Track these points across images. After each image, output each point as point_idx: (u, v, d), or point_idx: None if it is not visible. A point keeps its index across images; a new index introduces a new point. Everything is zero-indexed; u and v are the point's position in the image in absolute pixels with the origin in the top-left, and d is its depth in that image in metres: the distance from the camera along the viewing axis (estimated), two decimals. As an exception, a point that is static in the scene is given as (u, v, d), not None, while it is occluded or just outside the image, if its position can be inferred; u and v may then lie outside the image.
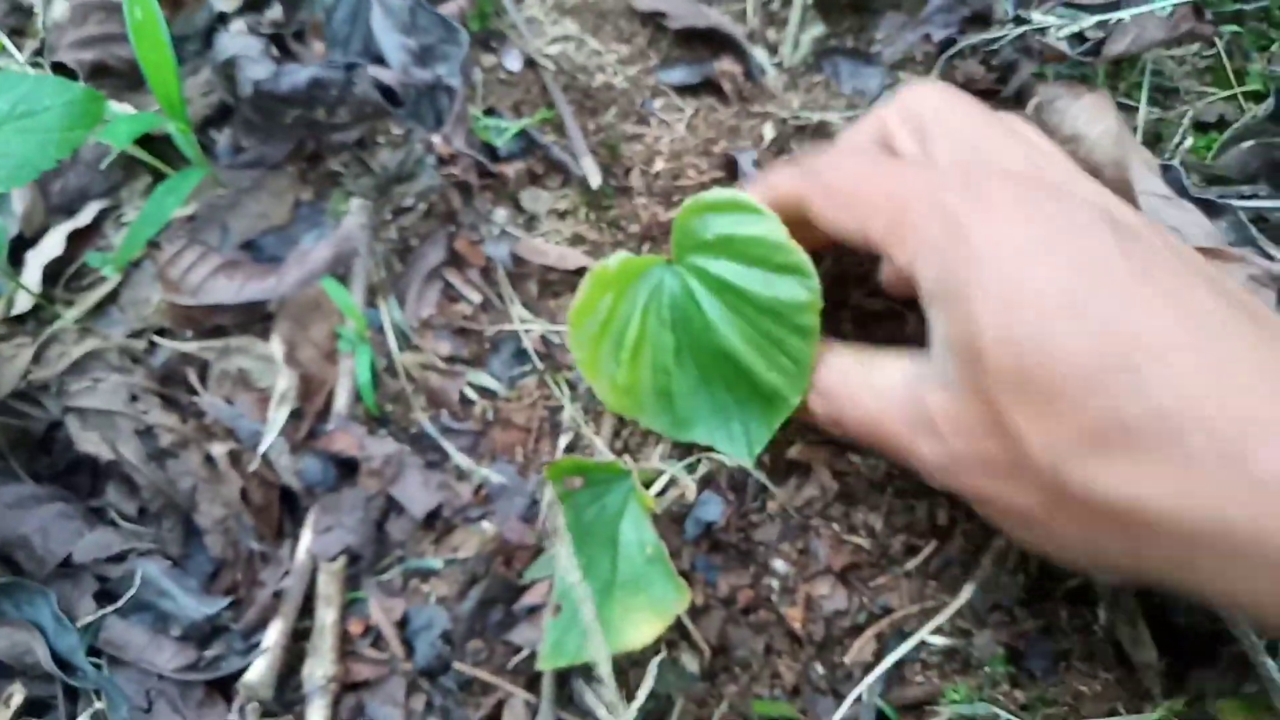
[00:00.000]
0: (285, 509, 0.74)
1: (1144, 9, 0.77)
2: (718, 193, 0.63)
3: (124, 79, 0.85)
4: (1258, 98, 0.81)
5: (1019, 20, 0.79)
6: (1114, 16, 0.75)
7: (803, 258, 0.59)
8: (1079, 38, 0.76)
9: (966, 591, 0.67)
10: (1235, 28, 0.81)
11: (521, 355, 0.79)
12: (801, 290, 0.60)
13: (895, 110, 0.62)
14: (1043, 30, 0.76)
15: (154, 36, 0.71)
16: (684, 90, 0.89)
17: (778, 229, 0.60)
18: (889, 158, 0.61)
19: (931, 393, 0.52)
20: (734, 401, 0.66)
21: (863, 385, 0.58)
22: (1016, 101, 0.82)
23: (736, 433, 0.66)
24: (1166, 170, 0.72)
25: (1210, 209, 0.70)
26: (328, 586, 0.69)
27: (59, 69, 0.83)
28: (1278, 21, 0.82)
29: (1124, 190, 0.70)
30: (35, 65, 0.84)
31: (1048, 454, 0.46)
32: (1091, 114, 0.74)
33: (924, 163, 0.58)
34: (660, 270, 0.66)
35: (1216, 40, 0.80)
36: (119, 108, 0.80)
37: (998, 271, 0.47)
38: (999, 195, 0.50)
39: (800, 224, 0.60)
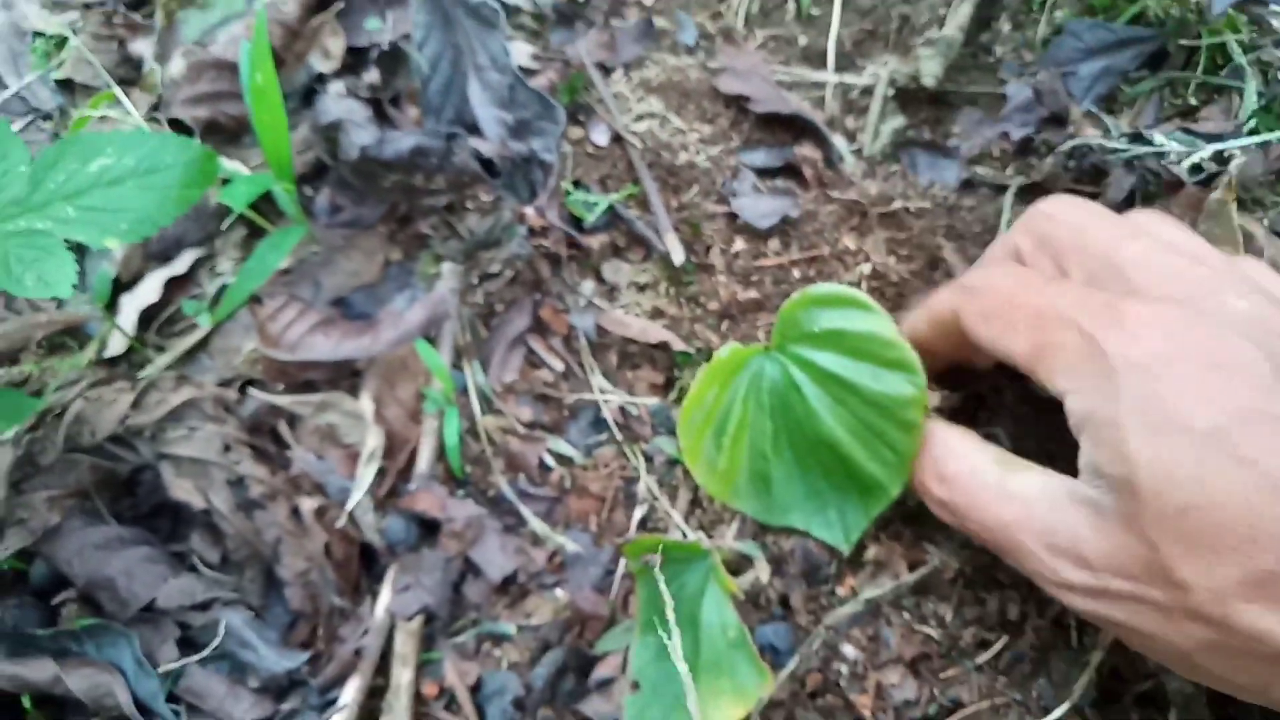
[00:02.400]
0: (363, 565, 0.75)
1: (1257, 140, 0.78)
2: (826, 287, 0.65)
3: (229, 134, 0.88)
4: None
5: (1137, 138, 0.80)
6: (1229, 146, 0.77)
7: (911, 355, 0.61)
8: (1196, 167, 0.77)
9: (1036, 688, 0.68)
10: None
11: (600, 424, 0.81)
12: (908, 386, 0.62)
13: (1030, 225, 0.62)
14: (1160, 154, 0.77)
15: (271, 100, 0.74)
16: (765, 173, 0.91)
17: (887, 325, 0.62)
18: (1031, 276, 0.60)
19: (1081, 521, 0.51)
20: (831, 489, 0.67)
21: (996, 487, 0.57)
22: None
23: (833, 519, 0.67)
24: None
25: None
26: (404, 646, 0.70)
27: (175, 125, 0.86)
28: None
29: None
30: (152, 120, 0.87)
31: (1214, 604, 0.45)
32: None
33: (1062, 282, 0.57)
34: (760, 359, 0.68)
35: (1293, 152, 0.82)
36: (227, 164, 0.83)
37: (1145, 402, 0.47)
38: (1139, 319, 0.49)
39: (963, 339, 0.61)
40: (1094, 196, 0.85)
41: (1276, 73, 0.85)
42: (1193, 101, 0.87)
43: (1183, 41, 0.88)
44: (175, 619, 0.72)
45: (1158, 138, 0.78)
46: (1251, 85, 0.84)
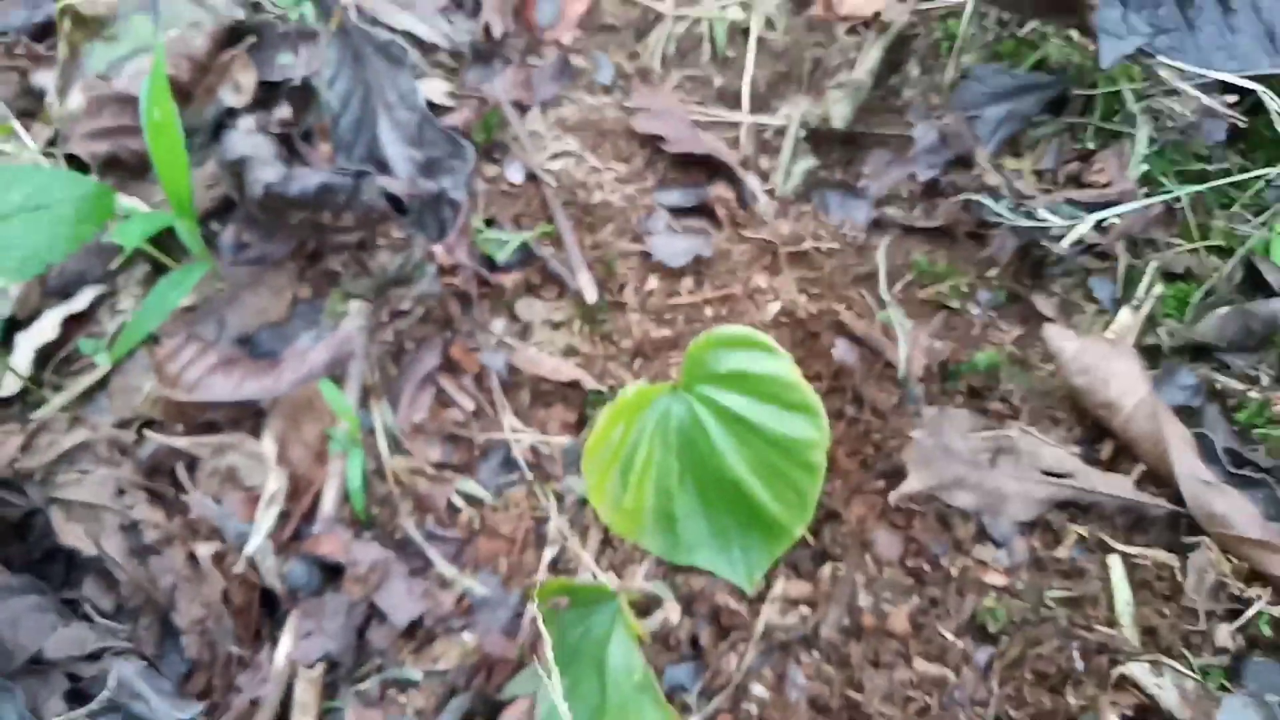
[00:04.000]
0: (264, 611, 0.73)
1: (1134, 206, 0.82)
2: (732, 329, 0.66)
3: (131, 170, 0.86)
4: (1220, 252, 0.86)
5: (1024, 210, 0.83)
6: (1109, 215, 0.80)
7: (813, 398, 0.62)
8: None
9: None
10: (1198, 186, 0.86)
11: (510, 464, 0.80)
12: (810, 429, 0.62)
13: None
14: (1044, 227, 0.81)
15: (170, 137, 0.73)
16: (679, 211, 0.92)
17: (790, 368, 0.63)
18: None
19: None
20: (735, 527, 0.67)
21: None
22: (991, 264, 0.87)
23: (737, 559, 0.67)
24: (1201, 440, 0.75)
25: (1245, 483, 0.74)
26: (305, 694, 0.69)
27: (72, 160, 0.84)
28: (1240, 184, 0.88)
29: (1164, 468, 0.74)
30: (48, 155, 0.85)
31: None
32: (1125, 382, 0.77)
33: None
34: (668, 398, 0.68)
35: (1181, 197, 0.85)
36: (126, 200, 0.81)
37: None
38: None
39: None
40: (985, 248, 0.88)
41: (1167, 120, 0.88)
42: (1090, 145, 0.90)
43: (1080, 90, 0.91)
44: (64, 670, 0.69)
45: (1041, 211, 0.82)
46: (1143, 132, 0.87)
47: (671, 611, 0.73)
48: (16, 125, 0.85)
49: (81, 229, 0.69)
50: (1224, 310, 0.78)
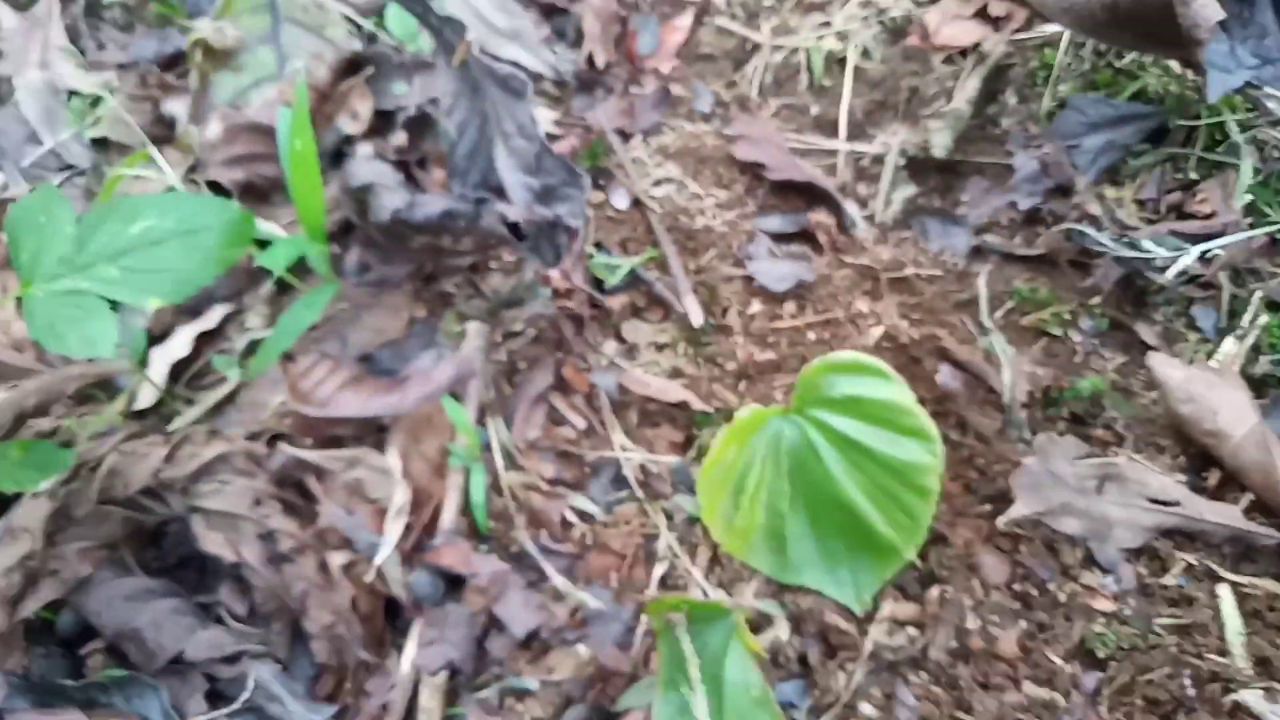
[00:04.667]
0: (388, 620, 0.76)
1: (1237, 238, 0.82)
2: (846, 355, 0.68)
3: (261, 194, 0.91)
4: (1327, 281, 0.86)
5: (1126, 241, 0.84)
6: (1213, 246, 0.81)
7: (929, 424, 0.64)
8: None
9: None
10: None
11: (620, 482, 0.82)
12: (925, 454, 0.64)
13: None
14: (1148, 259, 0.82)
15: (308, 167, 0.77)
16: (780, 237, 0.94)
17: (905, 394, 0.64)
18: None
19: None
20: (845, 549, 0.69)
21: None
22: (1093, 292, 0.88)
23: (845, 579, 0.69)
24: None
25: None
26: (429, 700, 0.71)
27: (212, 186, 0.88)
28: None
29: (1273, 497, 0.74)
30: (190, 182, 0.90)
31: None
32: (1233, 411, 0.77)
33: None
34: (780, 421, 0.70)
35: (1288, 226, 0.86)
36: (262, 225, 0.85)
37: None
38: None
39: None
40: (1087, 277, 0.89)
41: (1272, 150, 0.88)
42: (1193, 176, 0.91)
43: (1181, 121, 0.92)
44: (203, 671, 0.72)
45: (1144, 242, 0.82)
46: (1247, 163, 0.87)
47: (781, 629, 0.74)
48: (154, 151, 0.90)
49: (228, 252, 0.72)
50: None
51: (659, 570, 0.78)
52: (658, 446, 0.84)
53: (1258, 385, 0.83)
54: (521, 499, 0.80)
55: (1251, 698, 0.68)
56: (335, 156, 0.97)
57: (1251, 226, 0.86)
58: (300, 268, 0.88)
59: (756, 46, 1.09)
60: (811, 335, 0.88)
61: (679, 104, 1.06)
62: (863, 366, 0.69)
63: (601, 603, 0.76)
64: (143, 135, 0.94)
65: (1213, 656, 0.71)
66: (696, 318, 0.87)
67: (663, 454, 0.83)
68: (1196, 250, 0.82)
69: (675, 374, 0.87)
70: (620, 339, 0.89)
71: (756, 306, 0.90)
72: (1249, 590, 0.74)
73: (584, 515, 0.81)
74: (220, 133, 0.88)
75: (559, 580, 0.77)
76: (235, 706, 0.69)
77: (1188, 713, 0.69)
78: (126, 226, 0.71)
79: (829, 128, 1.04)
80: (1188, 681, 0.70)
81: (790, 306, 0.90)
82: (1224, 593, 0.74)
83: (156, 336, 0.87)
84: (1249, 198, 0.88)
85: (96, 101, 1.01)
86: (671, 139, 1.02)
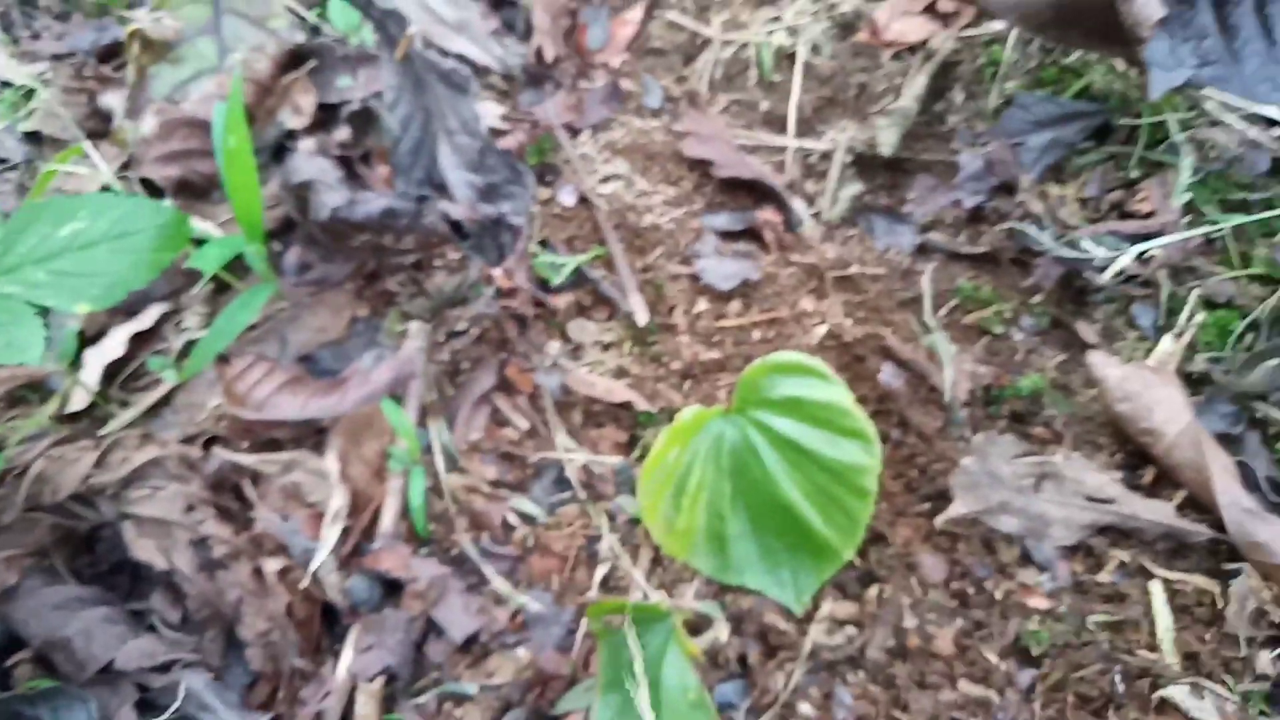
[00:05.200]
0: (324, 625, 0.75)
1: (1175, 238, 0.83)
2: (787, 355, 0.68)
3: (198, 191, 0.89)
4: (1262, 281, 0.87)
5: (1067, 240, 0.85)
6: (1151, 246, 0.82)
7: (868, 425, 0.64)
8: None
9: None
10: (1241, 216, 0.87)
11: (563, 483, 0.82)
12: (864, 455, 0.64)
13: None
14: (1087, 259, 0.83)
15: (244, 165, 0.76)
16: (727, 235, 0.94)
17: (845, 395, 0.64)
18: None
19: None
20: (785, 549, 0.69)
21: None
22: (1034, 290, 0.89)
23: (786, 580, 0.69)
24: (1243, 469, 0.77)
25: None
26: (366, 707, 0.71)
27: (146, 184, 0.87)
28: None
29: (1205, 495, 0.75)
30: (122, 178, 0.88)
31: None
32: (1168, 410, 0.78)
33: None
34: (720, 422, 0.70)
35: (1224, 227, 0.86)
36: (197, 225, 0.84)
37: None
38: None
39: None
40: (1029, 275, 0.90)
41: (1210, 150, 0.89)
42: (1134, 174, 0.92)
43: (1124, 120, 0.92)
44: (134, 680, 0.71)
45: (1084, 242, 0.83)
46: (1187, 162, 0.88)
47: (721, 630, 0.74)
48: (88, 147, 0.88)
49: (161, 256, 0.71)
50: (1275, 362, 0.79)
51: (600, 572, 0.78)
52: (601, 447, 0.83)
53: (1195, 383, 0.84)
54: (463, 501, 0.80)
55: (1178, 693, 0.69)
56: (277, 151, 0.95)
57: (1190, 225, 0.87)
58: (239, 266, 0.86)
59: (707, 41, 1.09)
60: (756, 334, 0.88)
61: (628, 99, 1.05)
62: (803, 368, 0.69)
63: (542, 605, 0.76)
64: (76, 130, 0.91)
65: (1143, 652, 0.72)
66: (642, 317, 0.87)
67: (606, 454, 0.83)
68: (1134, 250, 0.83)
69: (620, 374, 0.86)
70: (565, 338, 0.88)
71: (702, 305, 0.90)
72: (1179, 586, 0.75)
73: (526, 517, 0.80)
74: (155, 128, 0.86)
75: (499, 583, 0.77)
76: (166, 716, 0.68)
77: (1117, 709, 0.70)
78: (56, 229, 0.70)
79: (778, 124, 1.04)
80: (1118, 678, 0.71)
81: (736, 305, 0.90)
82: (1155, 589, 0.75)
83: (90, 337, 0.85)
84: (1188, 196, 0.89)
85: (30, 93, 0.99)
86: (620, 134, 1.01)
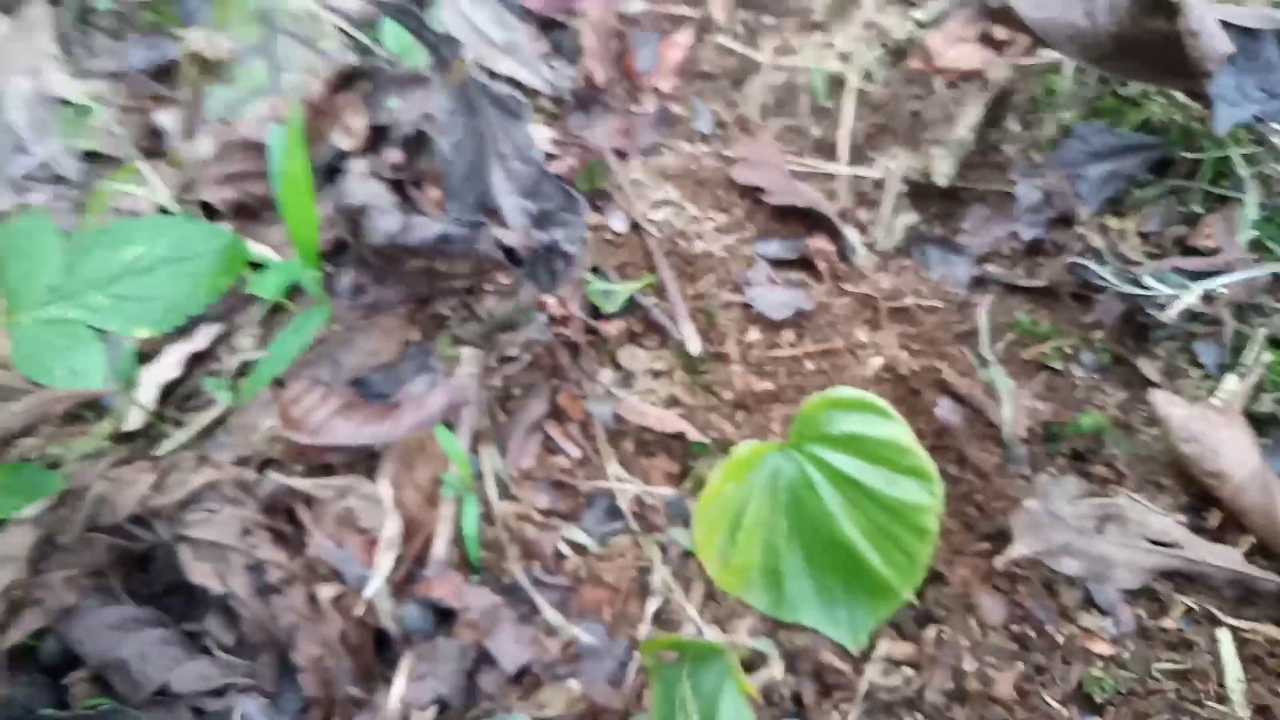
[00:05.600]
0: (377, 652, 0.75)
1: (1241, 276, 0.82)
2: (847, 392, 0.67)
3: (253, 214, 0.90)
4: (1329, 319, 0.85)
5: (1129, 277, 0.83)
6: (1217, 284, 0.80)
7: (928, 464, 0.63)
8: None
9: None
10: (1309, 249, 0.85)
11: (615, 513, 0.81)
12: (924, 494, 0.64)
13: None
14: (1148, 292, 0.81)
15: (302, 191, 0.76)
16: (779, 264, 0.93)
17: (905, 433, 0.64)
18: None
19: None
20: (841, 587, 0.68)
21: None
22: (1095, 326, 0.87)
23: (842, 618, 0.68)
24: None
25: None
26: (418, 737, 0.70)
27: (204, 206, 0.87)
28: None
29: (1275, 540, 0.74)
30: (180, 201, 0.88)
31: None
32: (1235, 452, 0.76)
33: None
34: (777, 457, 0.69)
35: (1291, 263, 0.85)
36: (254, 248, 0.84)
37: None
38: None
39: None
40: (1089, 310, 0.88)
41: (1277, 186, 0.88)
42: (1197, 209, 0.90)
43: (1186, 154, 0.91)
44: (189, 704, 0.71)
45: (1146, 278, 0.81)
46: (1252, 198, 0.87)
47: (775, 668, 0.74)
48: (143, 167, 0.88)
49: (218, 280, 0.71)
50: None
51: (653, 605, 0.77)
52: (653, 477, 0.83)
53: (1261, 424, 0.82)
54: (514, 530, 0.79)
55: (1250, 747, 0.68)
56: (329, 172, 0.95)
57: (1256, 263, 0.85)
58: (293, 288, 0.86)
59: (757, 66, 1.08)
60: (810, 365, 0.87)
61: (678, 124, 1.05)
62: (863, 404, 0.68)
63: (594, 638, 0.75)
64: (132, 149, 0.92)
65: (1212, 704, 0.70)
66: (694, 345, 0.86)
67: (658, 485, 0.82)
68: (1199, 287, 0.82)
69: (672, 403, 0.86)
70: (617, 366, 0.88)
71: (755, 335, 0.89)
72: (1249, 635, 0.73)
73: (577, 547, 0.80)
74: (213, 150, 0.87)
75: (551, 614, 0.76)
76: (221, 742, 0.68)
77: (1185, 761, 0.69)
78: (116, 252, 0.70)
79: (829, 151, 1.03)
80: (1186, 728, 0.70)
81: (789, 335, 0.89)
82: (1224, 637, 0.73)
83: (146, 356, 0.86)
84: (1254, 233, 0.87)
85: (86, 111, 0.99)
86: (670, 160, 1.01)
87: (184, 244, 0.71)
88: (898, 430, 0.67)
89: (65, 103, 1.01)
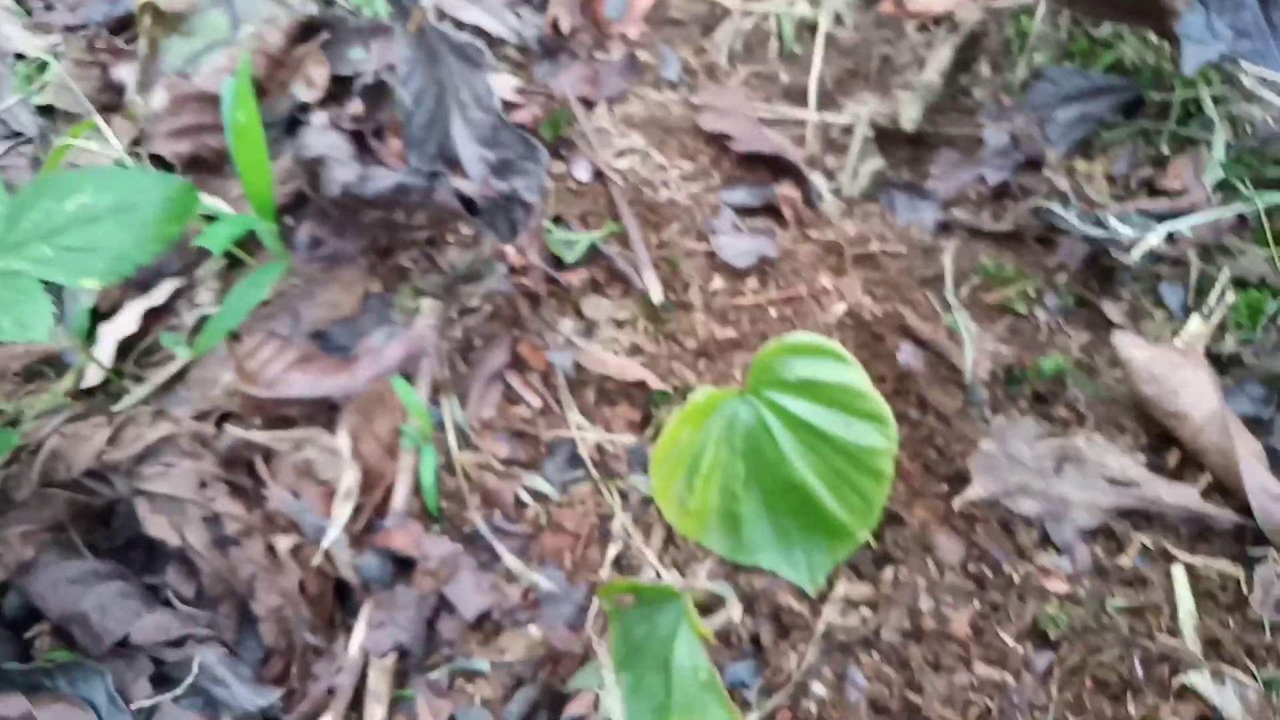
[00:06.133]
0: (337, 602, 0.76)
1: (1205, 217, 0.81)
2: (802, 336, 0.66)
3: (210, 167, 0.89)
4: (1296, 259, 0.85)
5: (1093, 219, 0.82)
6: (1181, 226, 0.79)
7: (884, 408, 0.63)
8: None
9: None
10: (1275, 193, 0.84)
11: (576, 461, 0.81)
12: (880, 437, 0.64)
13: None
14: (1112, 234, 0.81)
15: (253, 141, 0.75)
16: (744, 211, 0.93)
17: (860, 377, 0.63)
18: None
19: None
20: (799, 531, 0.69)
21: None
22: (1059, 269, 0.86)
23: (799, 561, 0.69)
24: (1271, 454, 0.75)
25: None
26: (378, 683, 0.71)
27: (156, 160, 0.86)
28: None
29: (1232, 479, 0.73)
30: (134, 154, 0.87)
31: None
32: (1195, 392, 0.76)
33: None
34: (735, 402, 0.69)
35: (1258, 205, 0.84)
36: (207, 199, 0.83)
37: None
38: None
39: None
40: (1054, 253, 0.87)
41: (1245, 126, 0.87)
42: (1164, 151, 0.89)
43: (1156, 94, 0.90)
44: (149, 654, 0.71)
45: (1111, 220, 0.81)
46: (1220, 138, 0.86)
47: (733, 610, 0.74)
48: (99, 121, 0.87)
49: (168, 229, 0.70)
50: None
51: (613, 551, 0.77)
52: (615, 425, 0.82)
53: (1224, 365, 0.82)
54: (475, 479, 0.79)
55: (1199, 679, 0.68)
56: (290, 125, 0.94)
57: (1222, 204, 0.85)
58: (251, 242, 0.86)
59: (726, 12, 1.07)
60: (774, 312, 0.87)
61: (646, 71, 1.03)
62: (818, 349, 0.68)
63: (554, 584, 0.76)
64: (88, 104, 0.91)
65: (1164, 638, 0.71)
66: (657, 294, 0.86)
67: (620, 433, 0.82)
68: (1163, 230, 0.81)
69: (634, 351, 0.85)
70: (579, 316, 0.87)
71: (719, 283, 0.88)
72: (1202, 572, 0.73)
73: (538, 495, 0.80)
74: (166, 103, 0.86)
75: (512, 561, 0.76)
76: (180, 690, 0.69)
77: (1135, 694, 0.69)
78: (61, 203, 0.69)
79: (798, 97, 1.02)
80: (1137, 663, 0.70)
81: (753, 282, 0.88)
82: (1178, 573, 0.73)
83: (104, 313, 0.85)
84: (1220, 174, 0.86)
85: (43, 66, 0.98)
86: (637, 108, 0.99)
87: (132, 193, 0.70)
88: (853, 374, 0.67)
89: (21, 57, 0.99)
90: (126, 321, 0.84)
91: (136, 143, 0.88)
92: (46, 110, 0.96)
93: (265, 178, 0.76)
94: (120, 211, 0.70)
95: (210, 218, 0.81)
